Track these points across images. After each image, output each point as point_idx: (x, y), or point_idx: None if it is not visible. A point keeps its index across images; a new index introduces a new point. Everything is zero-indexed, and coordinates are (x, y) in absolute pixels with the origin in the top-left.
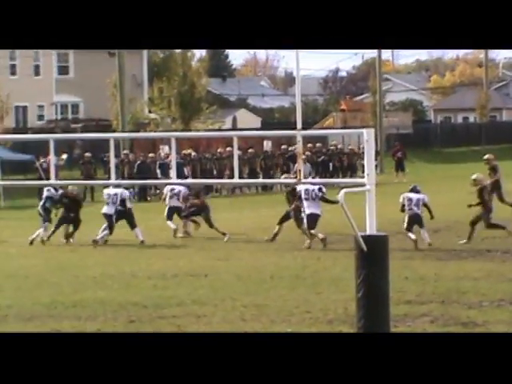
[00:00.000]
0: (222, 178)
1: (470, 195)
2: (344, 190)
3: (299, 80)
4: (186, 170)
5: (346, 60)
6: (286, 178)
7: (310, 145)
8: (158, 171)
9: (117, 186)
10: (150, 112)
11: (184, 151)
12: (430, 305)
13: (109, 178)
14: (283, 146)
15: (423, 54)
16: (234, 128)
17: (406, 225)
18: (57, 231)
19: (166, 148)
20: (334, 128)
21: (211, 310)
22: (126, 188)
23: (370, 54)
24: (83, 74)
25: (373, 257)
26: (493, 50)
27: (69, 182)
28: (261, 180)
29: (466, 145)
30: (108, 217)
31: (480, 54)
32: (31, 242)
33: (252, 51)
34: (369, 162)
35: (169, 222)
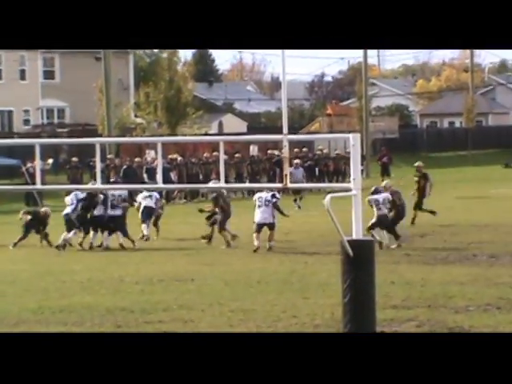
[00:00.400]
0: (208, 182)
1: (456, 200)
2: (330, 195)
3: (285, 84)
4: (173, 175)
5: (332, 65)
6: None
7: (296, 150)
8: (145, 176)
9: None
10: (136, 116)
11: (170, 156)
12: (416, 309)
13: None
14: (269, 151)
15: (409, 59)
16: (221, 133)
17: (370, 224)
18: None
19: (153, 152)
20: (320, 133)
21: (198, 315)
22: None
23: (356, 58)
24: (69, 79)
25: (359, 261)
26: (479, 55)
27: (55, 186)
28: (247, 185)
29: (453, 149)
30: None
31: (466, 58)
32: (62, 247)
33: (238, 56)
34: (355, 166)
35: (143, 226)
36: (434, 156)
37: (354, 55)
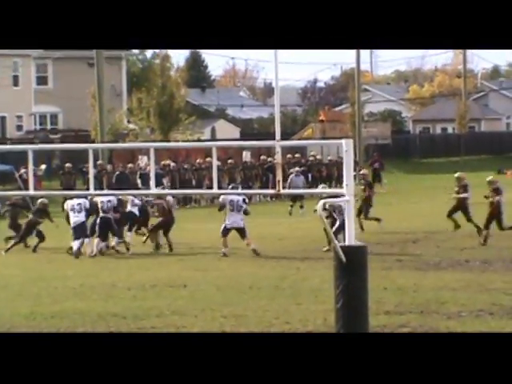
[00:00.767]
0: (200, 188)
1: (448, 206)
2: (322, 201)
3: (278, 88)
4: (165, 181)
5: (324, 70)
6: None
7: (289, 156)
8: (139, 181)
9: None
10: (129, 122)
11: (163, 162)
12: (408, 315)
13: (88, 189)
14: (262, 157)
15: (402, 65)
16: (213, 138)
17: (335, 229)
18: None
19: (145, 158)
20: (313, 139)
21: (191, 321)
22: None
23: (349, 64)
24: (62, 85)
25: (352, 267)
26: (471, 61)
27: (48, 192)
28: (240, 190)
29: (445, 155)
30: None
31: (459, 64)
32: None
33: (231, 62)
34: (348, 172)
35: (129, 234)
36: (426, 162)
37: (347, 61)
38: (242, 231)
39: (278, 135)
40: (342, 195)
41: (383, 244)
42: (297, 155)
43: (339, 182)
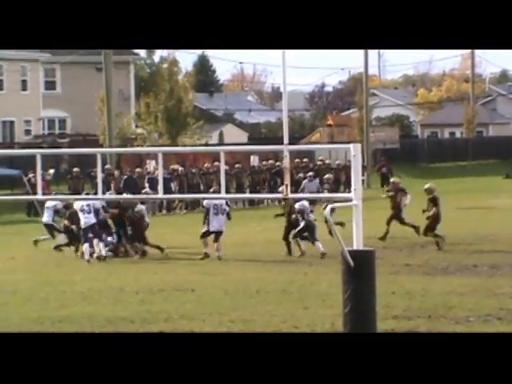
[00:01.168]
0: (208, 192)
1: (456, 210)
2: (330, 206)
3: (286, 92)
4: (173, 185)
5: (332, 75)
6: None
7: (297, 160)
8: (147, 185)
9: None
10: (137, 127)
11: (172, 166)
12: (416, 320)
13: (96, 193)
14: (270, 161)
15: (410, 69)
16: (221, 143)
17: (296, 232)
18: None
19: (153, 163)
20: (320, 143)
21: (198, 325)
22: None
23: (357, 69)
24: (70, 89)
25: (360, 272)
26: (480, 65)
27: (56, 196)
28: (248, 195)
29: (453, 160)
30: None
31: (467, 69)
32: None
33: (239, 66)
34: (356, 177)
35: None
36: (434, 166)
37: (355, 65)
38: (220, 234)
39: (286, 139)
40: (349, 200)
41: (391, 248)
42: (305, 160)
43: (347, 186)
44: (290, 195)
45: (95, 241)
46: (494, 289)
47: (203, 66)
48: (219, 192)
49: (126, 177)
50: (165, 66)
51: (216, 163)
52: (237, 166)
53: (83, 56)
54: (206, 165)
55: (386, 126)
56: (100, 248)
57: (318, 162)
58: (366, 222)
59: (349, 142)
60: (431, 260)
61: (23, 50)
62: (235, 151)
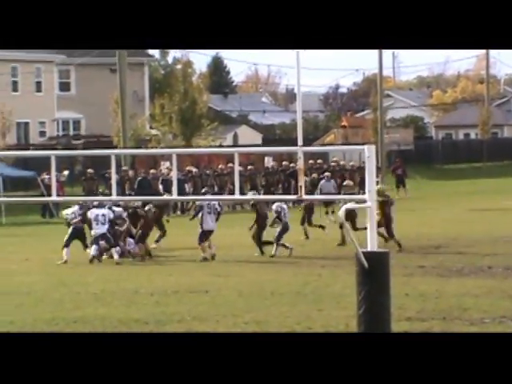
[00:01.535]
0: (222, 194)
1: (470, 212)
2: (344, 207)
3: (300, 93)
4: (188, 187)
5: (347, 76)
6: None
7: (311, 161)
8: (161, 187)
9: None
10: (151, 128)
11: (188, 168)
12: (431, 322)
13: (110, 195)
14: (284, 163)
15: (424, 71)
16: (235, 144)
17: (277, 235)
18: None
19: (168, 164)
20: (335, 144)
21: (212, 327)
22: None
23: (371, 70)
24: (85, 91)
25: (374, 273)
26: (494, 66)
27: (70, 198)
28: (262, 196)
29: (468, 161)
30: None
31: (481, 70)
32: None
33: (253, 67)
34: (370, 178)
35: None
36: (448, 168)
37: (369, 67)
38: (210, 233)
39: (300, 141)
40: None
41: (405, 250)
42: (319, 161)
43: (361, 187)
44: (305, 196)
45: (112, 249)
46: (509, 290)
47: (217, 68)
48: (211, 193)
49: (140, 178)
50: (179, 67)
51: (230, 164)
52: (249, 167)
53: (97, 57)
54: (220, 166)
55: (401, 128)
56: (112, 253)
57: (332, 164)
58: None
59: (363, 144)
60: (445, 262)
61: (38, 52)
62: (249, 153)
